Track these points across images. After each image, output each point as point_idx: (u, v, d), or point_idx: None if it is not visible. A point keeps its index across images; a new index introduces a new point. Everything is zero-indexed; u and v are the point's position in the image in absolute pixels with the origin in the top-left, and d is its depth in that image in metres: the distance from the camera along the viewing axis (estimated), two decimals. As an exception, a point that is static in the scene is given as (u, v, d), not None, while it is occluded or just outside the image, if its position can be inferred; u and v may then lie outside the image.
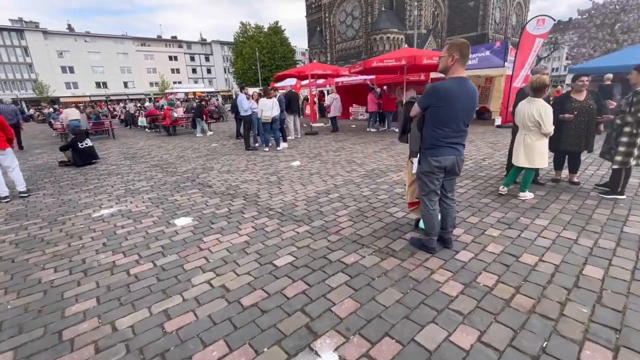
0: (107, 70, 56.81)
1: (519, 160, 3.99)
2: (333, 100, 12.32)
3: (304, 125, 12.13)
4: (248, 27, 53.73)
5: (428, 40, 39.44)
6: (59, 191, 5.46)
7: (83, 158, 7.47)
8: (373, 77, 15.09)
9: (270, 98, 8.10)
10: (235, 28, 64.31)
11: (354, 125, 14.13)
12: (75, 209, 4.47)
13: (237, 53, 53.16)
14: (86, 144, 7.55)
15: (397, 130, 11.38)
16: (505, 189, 4.26)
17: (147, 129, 16.11)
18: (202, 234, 3.47)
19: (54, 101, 47.57)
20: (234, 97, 11.22)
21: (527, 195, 4.07)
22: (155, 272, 2.74)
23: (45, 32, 51.93)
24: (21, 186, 5.15)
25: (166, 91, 45.01)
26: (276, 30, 52.48)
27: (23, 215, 4.31)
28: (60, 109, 16.13)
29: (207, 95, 42.23)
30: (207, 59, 70.58)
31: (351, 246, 3.04)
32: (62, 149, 7.51)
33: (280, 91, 12.64)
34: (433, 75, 13.31)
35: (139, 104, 24.53)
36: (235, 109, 11.03)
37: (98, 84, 56.16)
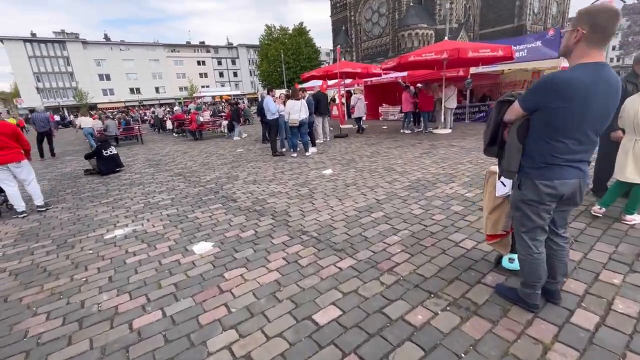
0: (140, 76, 59.21)
1: (627, 174, 3.05)
2: (357, 101, 11.54)
3: (332, 128, 11.45)
4: (273, 29, 53.98)
5: (460, 34, 37.40)
6: (77, 205, 5.11)
7: (107, 166, 7.22)
8: (405, 74, 14.15)
9: (299, 100, 7.48)
10: (260, 31, 65.01)
11: (385, 127, 13.25)
12: (89, 228, 4.04)
13: (263, 55, 53.54)
14: (110, 151, 7.30)
15: (434, 131, 10.46)
16: (603, 209, 3.32)
17: (174, 134, 16.12)
18: (223, 267, 2.86)
19: (92, 107, 50.29)
20: (260, 99, 10.73)
21: (637, 218, 3.12)
22: (164, 326, 2.14)
23: (85, 42, 54.94)
24: (38, 200, 4.83)
25: (194, 95, 46.04)
26: (301, 31, 52.31)
27: (34, 235, 3.94)
28: (94, 115, 16.47)
29: (233, 98, 42.73)
30: (233, 63, 71.83)
31: (414, 294, 2.29)
32: (87, 157, 7.31)
33: (308, 92, 12.12)
34: (473, 70, 12.17)
35: (167, 109, 24.96)
36: (261, 112, 10.56)
37: (132, 90, 58.62)
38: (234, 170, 6.80)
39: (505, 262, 2.49)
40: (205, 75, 67.33)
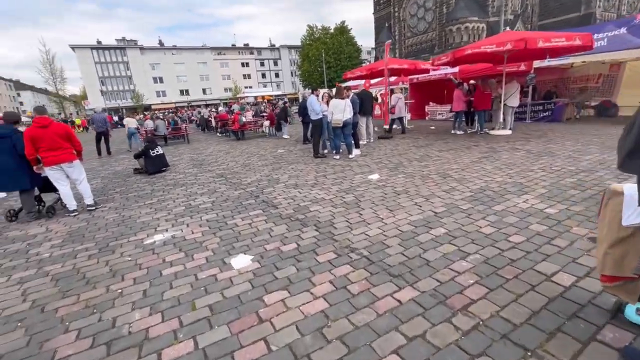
0: (189, 78, 62.78)
1: None
2: (398, 100, 10.82)
3: (376, 128, 10.86)
4: (315, 29, 54.15)
5: (516, 26, 34.46)
6: (123, 204, 5.17)
7: (154, 166, 7.38)
8: (456, 70, 13.12)
9: (343, 99, 7.06)
10: (302, 32, 65.72)
11: (433, 127, 12.36)
12: (131, 231, 3.98)
13: (304, 56, 53.96)
14: (157, 151, 7.46)
15: (491, 132, 9.45)
16: None
17: (218, 133, 16.55)
18: (263, 287, 2.53)
19: (147, 108, 54.27)
20: (301, 99, 10.50)
21: None
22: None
23: (142, 48, 59.43)
24: (88, 199, 4.94)
25: (238, 96, 47.66)
26: (342, 29, 51.86)
27: (80, 236, 3.95)
28: (146, 116, 17.45)
29: (275, 99, 43.50)
30: (275, 64, 73.40)
31: (503, 349, 1.76)
32: (136, 156, 7.54)
33: (352, 91, 11.56)
34: (537, 64, 10.89)
35: (213, 109, 25.93)
36: (302, 112, 10.32)
37: (181, 92, 62.36)
38: (274, 173, 6.56)
39: (631, 314, 1.86)
40: (249, 76, 69.55)
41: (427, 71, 12.24)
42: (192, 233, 3.75)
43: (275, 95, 50.68)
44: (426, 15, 41.90)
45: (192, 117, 23.98)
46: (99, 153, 11.09)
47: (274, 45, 73.88)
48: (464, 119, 10.70)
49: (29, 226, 4.48)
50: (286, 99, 48.75)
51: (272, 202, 4.67)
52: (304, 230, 3.58)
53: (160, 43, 64.00)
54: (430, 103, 15.82)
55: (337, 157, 7.45)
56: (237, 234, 3.63)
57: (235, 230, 3.74)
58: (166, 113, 23.73)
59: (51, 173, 4.56)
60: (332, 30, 52.67)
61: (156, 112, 37.94)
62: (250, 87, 59.65)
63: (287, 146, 10.39)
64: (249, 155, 9.17)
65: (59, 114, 51.18)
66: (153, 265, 3.05)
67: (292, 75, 73.35)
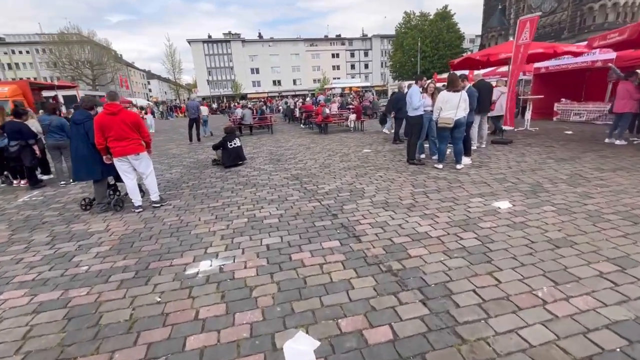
0: (282, 69, 65.62)
1: None
2: (500, 95, 8.17)
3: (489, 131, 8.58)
4: (412, 16, 50.27)
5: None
6: (187, 204, 4.60)
7: (230, 159, 6.89)
8: (612, 56, 9.69)
9: (458, 91, 5.32)
10: (397, 21, 61.83)
11: (569, 131, 9.37)
12: (181, 247, 3.24)
13: (397, 45, 50.79)
14: (234, 144, 6.94)
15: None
16: None
17: (301, 125, 16.06)
18: None
19: (243, 97, 58.80)
20: (399, 90, 8.91)
21: None
22: None
23: (243, 41, 64.25)
24: (154, 195, 4.49)
25: (325, 87, 47.61)
26: (444, 15, 46.91)
27: (129, 245, 3.38)
28: (237, 104, 18.02)
29: (362, 90, 41.95)
30: (365, 54, 71.36)
31: None
32: (215, 147, 7.18)
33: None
34: None
35: (300, 100, 25.86)
36: (395, 106, 8.76)
37: (274, 82, 65.66)
38: (358, 181, 5.31)
39: None
40: (338, 67, 69.19)
41: (578, 54, 9.12)
42: (245, 267, 2.78)
43: (363, 87, 49.08)
44: (555, -8, 34.44)
45: (279, 107, 24.28)
46: (190, 139, 11.50)
47: (366, 35, 71.75)
48: (633, 124, 7.67)
49: (95, 219, 4.20)
50: (373, 92, 46.72)
51: (354, 228, 3.44)
52: (403, 297, 2.25)
53: (260, 36, 68.22)
54: (562, 100, 12.34)
55: (440, 166, 5.78)
56: (302, 282, 2.50)
57: (299, 274, 2.62)
58: (256, 102, 24.55)
59: (118, 165, 4.18)
60: (431, 17, 48.09)
61: (248, 101, 40.50)
62: (339, 78, 59.16)
63: (374, 144, 9.00)
64: (330, 153, 8.11)
65: (174, 99, 59.28)
66: (180, 321, 2.13)
67: (382, 67, 70.36)
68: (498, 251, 2.80)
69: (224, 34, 65.86)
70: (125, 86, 45.09)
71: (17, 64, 57.12)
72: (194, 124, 11.40)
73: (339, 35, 71.79)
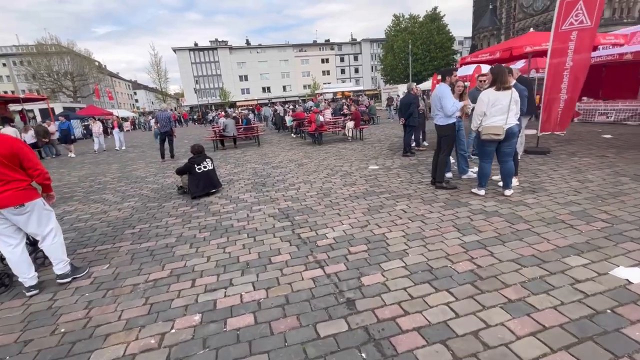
0: (271, 76, 64.20)
1: None
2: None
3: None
4: (401, 18, 49.53)
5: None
6: (116, 275, 2.95)
7: (199, 187, 5.25)
8: (645, 47, 8.47)
9: (508, 88, 3.81)
10: (386, 26, 60.99)
11: (607, 135, 7.98)
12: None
13: (388, 48, 49.92)
14: (204, 166, 5.31)
15: None
16: None
17: (292, 134, 14.49)
18: None
19: (232, 105, 57.00)
20: (408, 92, 7.37)
21: None
22: None
23: (230, 48, 62.76)
24: (59, 265, 2.82)
25: (316, 92, 46.27)
26: (434, 16, 46.22)
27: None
28: (220, 113, 16.41)
29: (354, 95, 40.68)
30: (355, 59, 70.50)
31: None
32: (179, 172, 5.51)
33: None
34: None
35: (290, 106, 24.22)
36: (404, 111, 7.25)
37: (263, 89, 64.14)
38: (374, 219, 3.73)
39: None
40: (328, 72, 68.10)
41: (619, 44, 7.77)
42: None
43: (354, 91, 47.88)
44: (547, -9, 33.84)
45: (265, 115, 22.64)
46: (162, 156, 9.81)
47: (355, 40, 70.98)
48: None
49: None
50: (364, 96, 45.50)
51: (392, 345, 1.84)
52: None
53: (247, 42, 66.83)
54: (583, 98, 11.03)
55: (482, 192, 4.23)
56: None
57: None
58: (240, 110, 22.96)
59: (-12, 224, 2.53)
60: (421, 19, 47.37)
61: (227, 108, 38.55)
62: (329, 83, 58.02)
63: (380, 158, 7.46)
64: (328, 172, 6.53)
65: (174, 109, 57.17)
66: None
67: (372, 70, 69.55)
68: None
69: (210, 41, 64.30)
70: (109, 97, 42.79)
71: (-7, 77, 54.61)
72: (167, 138, 9.73)
73: (328, 40, 70.85)
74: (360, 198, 4.59)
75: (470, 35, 49.90)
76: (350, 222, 3.72)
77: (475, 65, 12.37)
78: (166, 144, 9.80)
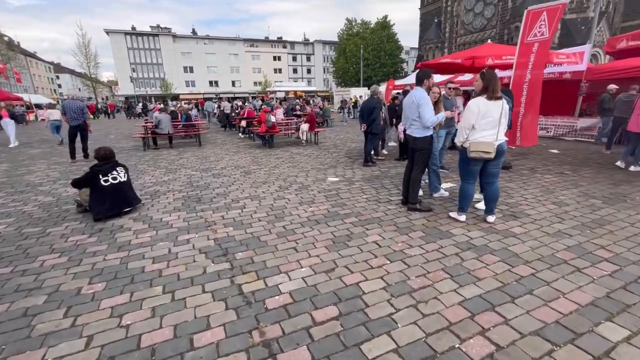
0: (219, 70, 60.57)
1: None
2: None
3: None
4: (354, 23, 50.26)
5: (599, 26, 28.82)
6: None
7: (105, 205, 3.87)
8: (583, 67, 9.07)
9: (498, 98, 3.20)
10: (338, 30, 61.50)
11: (554, 150, 8.20)
12: None
13: (340, 51, 50.33)
14: (114, 178, 3.95)
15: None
16: None
17: (240, 134, 13.12)
18: None
19: (175, 97, 52.35)
20: (372, 95, 6.65)
21: None
22: None
23: (174, 36, 57.85)
24: None
25: (267, 89, 44.57)
26: (384, 24, 47.68)
27: None
28: (155, 107, 14.35)
29: (305, 95, 39.89)
30: (308, 59, 69.98)
31: None
32: (75, 184, 4.04)
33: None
34: None
35: (239, 103, 22.37)
36: (368, 117, 6.54)
37: (211, 83, 60.25)
38: (342, 258, 2.86)
39: None
40: (280, 71, 66.53)
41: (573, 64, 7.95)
42: None
43: (306, 92, 47.20)
44: (485, 11, 36.70)
45: (214, 111, 20.69)
46: (72, 156, 7.86)
47: (307, 40, 70.46)
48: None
49: None
50: (317, 97, 45.05)
51: None
52: None
53: (194, 32, 62.30)
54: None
55: (462, 218, 3.62)
56: None
57: None
58: (181, 104, 20.74)
59: None
60: (372, 25, 48.52)
61: (169, 101, 34.95)
62: (281, 81, 56.57)
63: (339, 167, 6.66)
64: (280, 183, 5.53)
65: (89, 98, 50.15)
66: None
67: (324, 72, 69.71)
68: None
69: (151, 26, 58.50)
70: (17, 79, 35.96)
71: None
72: (78, 134, 7.82)
73: (281, 38, 69.35)
74: (321, 223, 3.69)
75: (416, 46, 52.42)
76: (311, 264, 2.79)
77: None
78: (78, 141, 7.88)
